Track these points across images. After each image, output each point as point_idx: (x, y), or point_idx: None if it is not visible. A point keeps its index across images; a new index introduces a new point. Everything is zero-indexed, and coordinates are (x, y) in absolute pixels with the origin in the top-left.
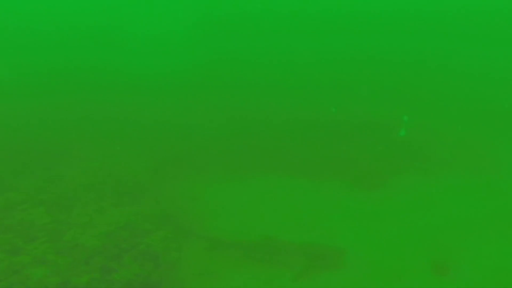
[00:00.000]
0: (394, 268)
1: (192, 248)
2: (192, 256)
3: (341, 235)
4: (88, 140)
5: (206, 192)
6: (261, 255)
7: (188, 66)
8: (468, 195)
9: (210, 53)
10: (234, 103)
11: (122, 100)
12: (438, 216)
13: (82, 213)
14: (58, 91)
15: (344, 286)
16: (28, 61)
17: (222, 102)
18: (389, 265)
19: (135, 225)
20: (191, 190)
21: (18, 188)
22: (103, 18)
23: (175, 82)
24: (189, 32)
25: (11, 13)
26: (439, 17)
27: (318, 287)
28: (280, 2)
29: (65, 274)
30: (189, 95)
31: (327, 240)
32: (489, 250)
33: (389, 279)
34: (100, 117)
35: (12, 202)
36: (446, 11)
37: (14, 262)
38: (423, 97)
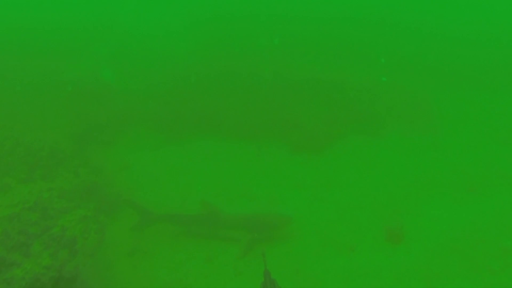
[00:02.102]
0: (346, 239)
1: (118, 226)
2: (118, 236)
3: (286, 204)
4: None
5: (137, 160)
6: (200, 230)
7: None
8: (415, 156)
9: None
10: (169, 63)
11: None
12: (386, 180)
13: None
14: None
15: (291, 260)
16: None
17: (157, 63)
18: (340, 236)
19: (48, 204)
20: (120, 159)
21: None
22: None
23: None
24: None
25: None
26: None
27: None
28: None
29: None
30: (123, 57)
31: (271, 210)
32: (441, 214)
33: (342, 251)
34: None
35: None
36: None
37: None
38: (367, 55)
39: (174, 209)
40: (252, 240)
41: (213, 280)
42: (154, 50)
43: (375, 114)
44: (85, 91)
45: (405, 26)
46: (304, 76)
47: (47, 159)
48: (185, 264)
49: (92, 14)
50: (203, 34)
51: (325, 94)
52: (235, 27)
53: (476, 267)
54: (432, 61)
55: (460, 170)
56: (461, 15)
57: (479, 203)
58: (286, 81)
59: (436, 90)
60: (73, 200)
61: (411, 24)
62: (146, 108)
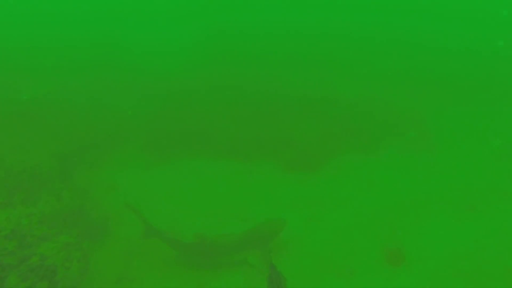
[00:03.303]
0: (344, 261)
1: (104, 252)
2: (104, 263)
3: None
4: None
5: (125, 181)
6: (192, 255)
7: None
8: (412, 173)
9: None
10: (154, 81)
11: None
12: (384, 198)
13: None
14: None
15: (288, 284)
16: None
17: (141, 81)
18: (338, 257)
19: (27, 231)
20: (107, 179)
21: None
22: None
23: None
24: None
25: None
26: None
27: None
28: None
29: None
30: (105, 74)
31: (264, 231)
32: (441, 233)
33: (340, 274)
34: None
35: None
36: None
37: None
38: (359, 71)
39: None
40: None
41: None
42: (146, 66)
43: (369, 130)
44: (70, 108)
45: (399, 41)
46: (297, 92)
47: (28, 181)
48: None
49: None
50: (196, 51)
51: (318, 111)
52: (229, 45)
53: None
54: (426, 75)
55: (458, 187)
56: (454, 27)
57: (480, 222)
58: (278, 97)
59: (431, 105)
60: (55, 226)
61: (405, 38)
62: (134, 126)
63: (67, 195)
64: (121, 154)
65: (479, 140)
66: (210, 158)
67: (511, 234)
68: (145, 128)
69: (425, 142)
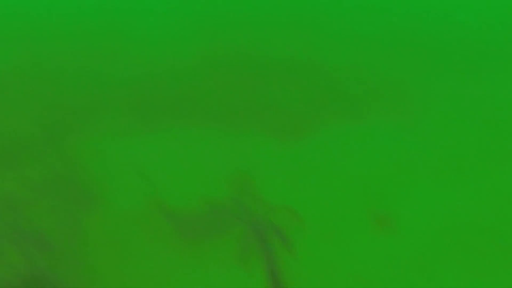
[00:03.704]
0: (336, 227)
1: (94, 217)
2: (95, 227)
3: (271, 192)
4: None
5: (110, 147)
6: (186, 231)
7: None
8: (399, 139)
9: None
10: (144, 49)
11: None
12: (370, 164)
13: None
14: None
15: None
16: None
17: (132, 48)
18: (330, 224)
19: (13, 194)
20: (94, 144)
21: None
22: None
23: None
24: None
25: None
26: None
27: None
28: None
29: None
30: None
31: (254, 199)
32: (430, 197)
33: (332, 240)
34: None
35: None
36: None
37: None
38: (347, 33)
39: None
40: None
41: None
42: (136, 34)
43: (356, 95)
44: (57, 75)
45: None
46: (284, 55)
47: (14, 148)
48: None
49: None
50: (187, 19)
51: (305, 75)
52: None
53: (472, 253)
54: (413, 40)
55: (444, 152)
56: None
57: (466, 186)
58: (266, 61)
59: (417, 70)
60: (42, 191)
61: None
62: (123, 93)
63: (52, 161)
64: (109, 121)
65: (462, 106)
66: (198, 125)
67: (494, 199)
68: (133, 95)
69: (411, 107)
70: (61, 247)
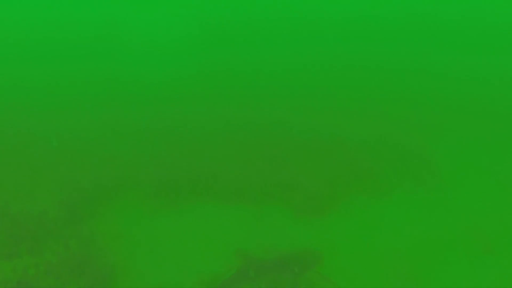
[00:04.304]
0: None
1: None
2: None
3: (295, 267)
4: None
5: (132, 228)
6: None
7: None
8: (423, 215)
9: None
10: (167, 122)
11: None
12: (396, 242)
13: None
14: None
15: None
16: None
17: (154, 122)
18: None
19: (34, 282)
20: (113, 227)
21: None
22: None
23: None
24: None
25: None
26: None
27: None
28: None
29: None
30: (116, 116)
31: (280, 278)
32: (456, 280)
33: None
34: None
35: None
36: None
37: None
38: (364, 108)
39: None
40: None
41: None
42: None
43: (377, 170)
44: (76, 154)
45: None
46: (304, 132)
47: (34, 230)
48: None
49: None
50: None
51: (324, 151)
52: (232, 83)
53: None
54: (433, 109)
55: (472, 228)
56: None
57: (498, 267)
58: (285, 137)
59: (435, 142)
60: (62, 276)
61: (411, 68)
62: (139, 171)
63: (74, 243)
64: (127, 201)
65: (491, 178)
66: (218, 203)
67: None
68: (150, 173)
69: (433, 180)
70: None
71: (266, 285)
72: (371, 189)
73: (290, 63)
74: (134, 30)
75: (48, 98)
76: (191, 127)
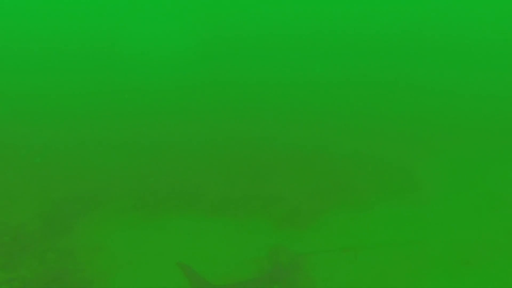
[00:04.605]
0: None
1: None
2: None
3: (276, 282)
4: None
5: (112, 240)
6: None
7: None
8: (404, 228)
9: None
10: (147, 134)
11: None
12: (377, 256)
13: None
14: None
15: None
16: None
17: (134, 134)
18: None
19: None
20: (93, 240)
21: None
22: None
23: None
24: None
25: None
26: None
27: None
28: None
29: None
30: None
31: None
32: None
33: None
34: None
35: None
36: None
37: None
38: (347, 122)
39: None
40: None
41: None
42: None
43: (359, 184)
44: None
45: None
46: (286, 145)
47: (10, 245)
48: None
49: None
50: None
51: (307, 164)
52: (220, 95)
53: None
54: (415, 124)
55: (452, 241)
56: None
57: (476, 277)
58: (268, 151)
59: (417, 156)
60: None
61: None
62: (121, 183)
63: (51, 257)
64: (106, 213)
65: (470, 191)
66: (199, 215)
67: None
68: (130, 185)
69: (414, 194)
70: None
71: None
72: (354, 203)
73: (272, 77)
74: (118, 43)
75: (25, 110)
76: (172, 139)
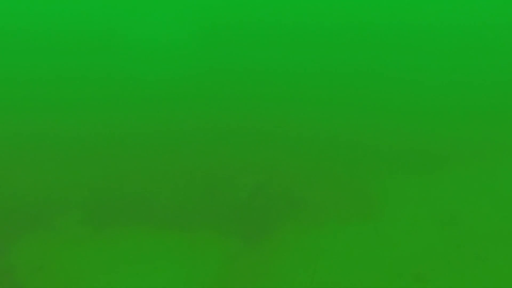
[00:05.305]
0: None
1: None
2: None
3: None
4: None
5: (57, 259)
6: None
7: None
8: (358, 245)
9: None
10: (95, 141)
11: None
12: (330, 272)
13: None
14: None
15: None
16: None
17: (80, 140)
18: None
19: None
20: (35, 258)
21: None
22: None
23: None
24: None
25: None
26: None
27: None
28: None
29: None
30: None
31: None
32: None
33: None
34: None
35: None
36: None
37: None
38: (301, 138)
39: None
40: None
41: None
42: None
43: (312, 200)
44: None
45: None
46: (238, 159)
47: None
48: None
49: None
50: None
51: (259, 179)
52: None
53: None
54: (372, 146)
55: (404, 257)
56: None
57: None
58: (220, 163)
59: (371, 172)
60: None
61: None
62: (66, 194)
63: None
64: (50, 229)
65: (420, 208)
66: (149, 229)
67: None
68: (77, 197)
69: (369, 211)
70: None
71: None
72: (307, 219)
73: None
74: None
75: None
76: (122, 147)
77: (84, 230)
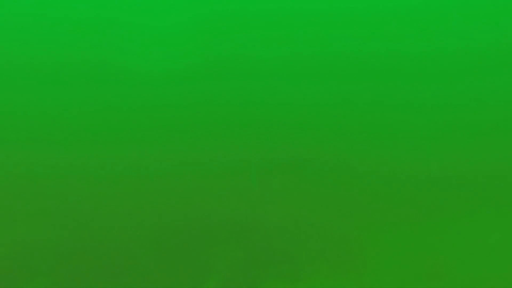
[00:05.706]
0: None
1: None
2: None
3: None
4: None
5: None
6: None
7: None
8: None
9: None
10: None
11: None
12: None
13: None
14: None
15: None
16: None
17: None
18: None
19: None
20: None
21: None
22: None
23: None
24: None
25: None
26: None
27: None
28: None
29: None
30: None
31: None
32: None
33: None
34: None
35: None
36: None
37: None
38: (284, 190)
39: None
40: None
41: None
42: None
43: (296, 257)
44: None
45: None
46: (221, 214)
47: None
48: None
49: None
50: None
51: (237, 236)
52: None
53: None
54: (356, 198)
55: None
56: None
57: None
58: (198, 218)
59: (360, 228)
60: None
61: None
62: (47, 261)
63: None
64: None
65: (405, 262)
66: None
67: None
68: (58, 264)
69: (352, 266)
70: None
71: None
72: (288, 274)
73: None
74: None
75: None
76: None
77: None
